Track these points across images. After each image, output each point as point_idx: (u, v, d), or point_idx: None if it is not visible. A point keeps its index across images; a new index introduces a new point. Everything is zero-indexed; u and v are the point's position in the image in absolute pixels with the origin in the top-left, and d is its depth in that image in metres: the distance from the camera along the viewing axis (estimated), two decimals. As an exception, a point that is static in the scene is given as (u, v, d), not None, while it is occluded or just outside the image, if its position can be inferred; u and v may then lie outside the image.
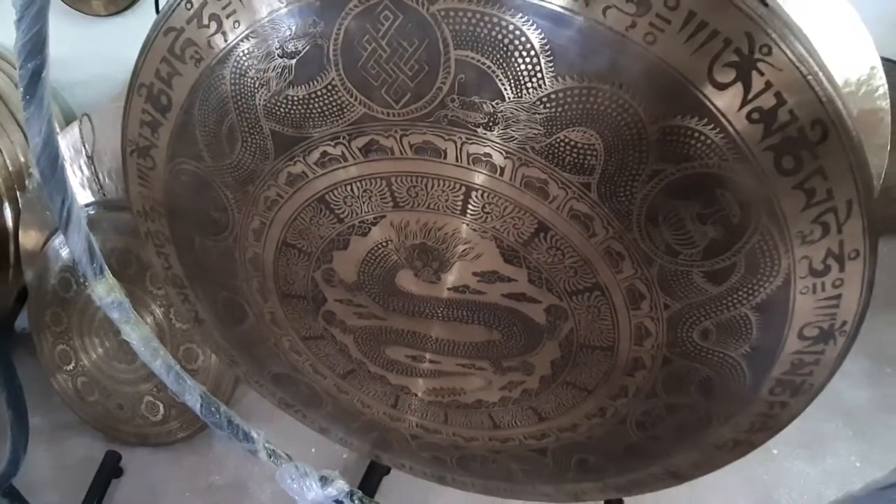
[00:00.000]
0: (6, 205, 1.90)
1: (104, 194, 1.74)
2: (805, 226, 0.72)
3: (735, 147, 0.69)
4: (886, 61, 1.21)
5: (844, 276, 0.75)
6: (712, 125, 0.68)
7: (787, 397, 0.87)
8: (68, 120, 2.01)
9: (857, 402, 1.79)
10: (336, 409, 1.13)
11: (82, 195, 1.73)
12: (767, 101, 0.67)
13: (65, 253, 1.75)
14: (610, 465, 1.02)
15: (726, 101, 0.68)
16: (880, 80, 1.19)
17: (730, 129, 0.68)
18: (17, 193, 1.91)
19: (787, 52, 0.65)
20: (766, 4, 0.66)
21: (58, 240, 1.75)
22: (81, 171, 1.71)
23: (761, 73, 0.66)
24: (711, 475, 1.00)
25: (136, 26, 1.93)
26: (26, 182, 1.89)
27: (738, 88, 0.67)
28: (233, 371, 1.19)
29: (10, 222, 1.92)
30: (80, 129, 1.70)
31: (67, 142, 1.70)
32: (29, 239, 1.91)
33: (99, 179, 1.72)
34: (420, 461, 1.19)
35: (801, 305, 0.77)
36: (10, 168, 1.90)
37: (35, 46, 0.65)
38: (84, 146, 1.68)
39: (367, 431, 1.16)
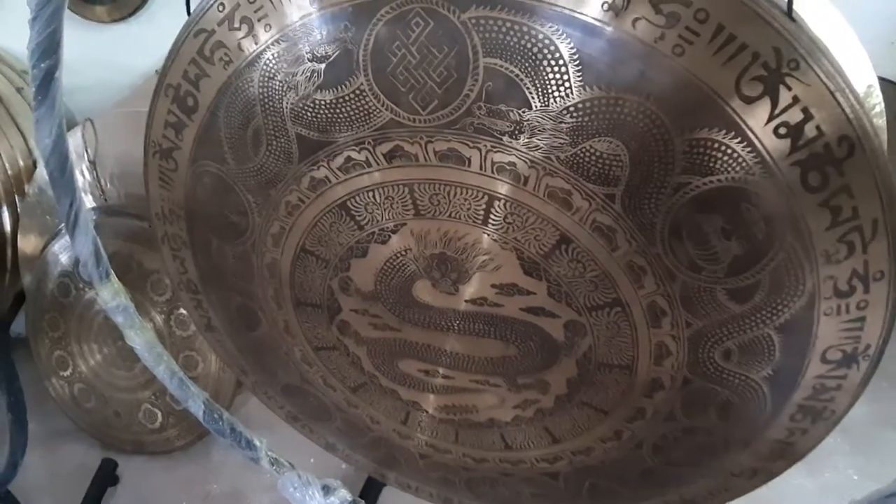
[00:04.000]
0: (4, 209, 1.89)
1: (105, 199, 1.74)
2: (830, 245, 0.71)
3: (762, 162, 0.69)
4: (882, 80, 1.22)
5: (869, 297, 0.74)
6: (739, 139, 0.68)
7: (808, 424, 0.85)
8: (69, 126, 1.99)
9: (855, 416, 1.75)
10: (344, 424, 1.11)
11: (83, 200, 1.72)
12: (794, 116, 0.67)
13: (64, 258, 1.74)
14: (624, 492, 0.99)
15: (754, 115, 0.68)
16: (877, 99, 1.19)
17: (757, 143, 0.68)
18: (16, 198, 1.90)
19: (815, 67, 0.65)
20: (793, 20, 0.67)
21: (57, 245, 1.75)
22: (83, 176, 1.71)
23: (789, 88, 0.66)
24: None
25: (140, 33, 1.95)
26: (26, 187, 1.88)
27: (765, 102, 0.67)
28: (243, 382, 1.18)
29: (8, 226, 1.91)
30: (83, 134, 1.70)
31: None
32: (28, 244, 1.90)
33: (101, 184, 1.72)
34: (427, 482, 1.16)
35: (825, 327, 0.76)
36: (10, 172, 1.89)
37: (50, 46, 0.65)
38: (86, 151, 1.68)
39: (375, 448, 1.14)
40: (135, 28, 1.98)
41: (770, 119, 0.67)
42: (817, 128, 0.67)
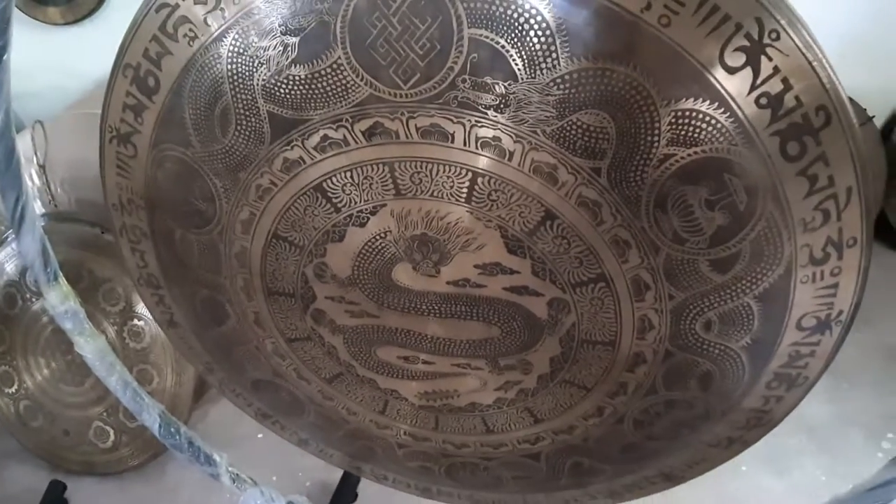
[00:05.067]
0: None
1: (55, 205, 1.64)
2: (807, 213, 0.73)
3: (744, 132, 0.70)
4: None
5: (842, 264, 0.76)
6: (723, 109, 0.69)
7: (783, 391, 0.87)
8: (16, 131, 1.87)
9: (819, 417, 1.85)
10: (319, 418, 1.08)
11: (32, 206, 1.62)
12: (775, 86, 0.68)
13: (10, 267, 1.64)
14: (605, 468, 1.00)
15: (736, 86, 0.68)
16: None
17: (739, 113, 0.69)
18: None
19: (794, 38, 0.66)
20: (773, -9, 0.68)
21: (2, 253, 1.64)
22: (32, 181, 1.61)
23: (770, 59, 0.67)
24: (684, 489, 1.00)
25: (95, 36, 1.85)
26: None
27: (747, 73, 0.68)
28: (208, 380, 1.12)
29: None
30: (32, 137, 1.60)
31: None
32: None
33: (51, 189, 1.62)
34: (405, 472, 1.14)
35: (801, 295, 0.78)
36: None
37: None
38: (36, 154, 1.58)
39: (351, 441, 1.11)
40: (90, 31, 1.87)
41: (752, 89, 0.68)
42: (796, 98, 0.68)
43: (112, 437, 1.74)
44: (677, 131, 0.70)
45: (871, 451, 1.84)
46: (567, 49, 0.68)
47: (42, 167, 1.59)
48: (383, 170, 0.79)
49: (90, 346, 0.81)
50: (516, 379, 0.93)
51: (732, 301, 0.79)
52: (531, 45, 0.69)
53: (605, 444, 0.96)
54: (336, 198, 0.82)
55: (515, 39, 0.69)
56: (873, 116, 2.31)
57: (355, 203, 0.82)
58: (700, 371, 0.86)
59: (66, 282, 0.79)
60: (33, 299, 1.63)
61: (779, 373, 0.85)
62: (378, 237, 0.84)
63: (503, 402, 0.96)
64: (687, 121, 0.70)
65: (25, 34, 1.79)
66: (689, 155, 0.71)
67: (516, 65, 0.70)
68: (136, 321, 1.56)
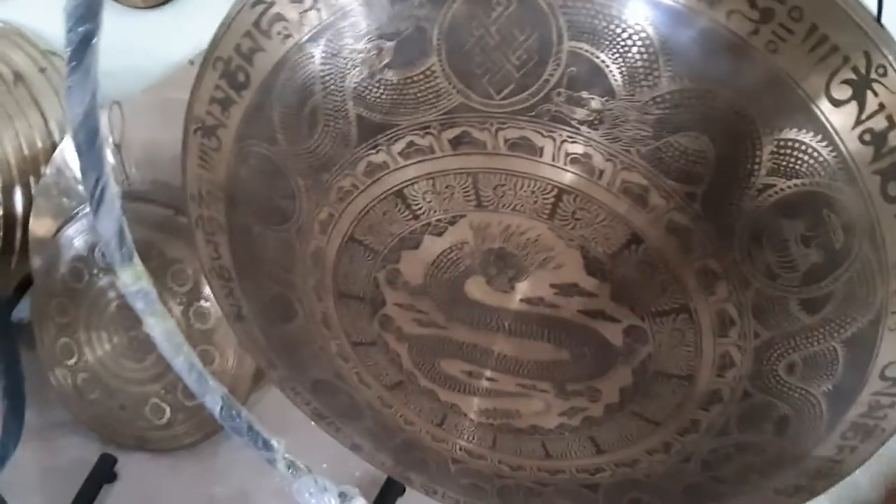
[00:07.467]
0: (18, 190, 1.78)
1: (129, 185, 1.65)
2: None
3: (845, 168, 0.67)
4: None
5: None
6: (826, 142, 0.67)
7: (858, 442, 0.83)
8: None
9: None
10: (375, 424, 1.07)
11: (106, 183, 1.66)
12: (879, 123, 0.65)
13: (78, 242, 1.65)
14: (664, 507, 0.96)
15: (841, 120, 0.66)
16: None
17: (842, 148, 0.67)
18: (31, 179, 1.79)
19: None
20: (882, 26, 0.66)
21: (72, 228, 1.65)
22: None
23: (875, 94, 0.65)
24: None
25: (174, 22, 1.89)
26: (42, 168, 1.78)
27: (852, 107, 0.65)
28: (269, 376, 1.12)
29: (20, 207, 1.79)
30: (109, 117, 1.63)
31: (94, 127, 1.63)
32: (41, 226, 1.78)
33: (125, 169, 1.65)
34: (456, 488, 1.11)
35: (888, 343, 0.75)
36: (26, 153, 1.79)
37: (89, 10, 0.61)
38: (112, 134, 1.62)
39: (405, 451, 1.09)
40: (169, 15, 1.91)
41: (856, 124, 0.66)
42: (901, 137, 0.66)
43: (168, 415, 1.72)
44: (779, 161, 0.68)
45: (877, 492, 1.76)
46: (670, 68, 0.67)
47: (118, 147, 1.62)
48: (466, 180, 0.78)
49: (160, 326, 0.81)
50: (582, 406, 0.90)
51: (819, 344, 0.76)
52: (633, 61, 0.67)
53: (668, 482, 0.92)
54: (416, 205, 0.81)
55: (617, 55, 0.67)
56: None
57: (434, 212, 0.81)
58: (777, 415, 0.82)
59: (140, 262, 0.79)
60: (100, 275, 1.64)
61: (856, 422, 0.81)
62: (454, 248, 0.83)
63: (566, 429, 0.94)
64: (789, 151, 0.67)
65: (106, 17, 1.84)
66: (788, 187, 0.69)
67: (615, 81, 0.68)
68: (202, 302, 1.56)
